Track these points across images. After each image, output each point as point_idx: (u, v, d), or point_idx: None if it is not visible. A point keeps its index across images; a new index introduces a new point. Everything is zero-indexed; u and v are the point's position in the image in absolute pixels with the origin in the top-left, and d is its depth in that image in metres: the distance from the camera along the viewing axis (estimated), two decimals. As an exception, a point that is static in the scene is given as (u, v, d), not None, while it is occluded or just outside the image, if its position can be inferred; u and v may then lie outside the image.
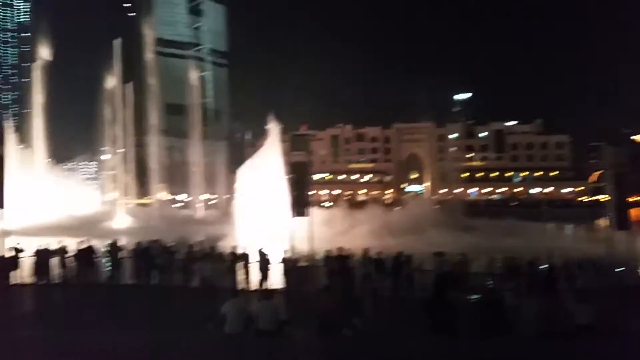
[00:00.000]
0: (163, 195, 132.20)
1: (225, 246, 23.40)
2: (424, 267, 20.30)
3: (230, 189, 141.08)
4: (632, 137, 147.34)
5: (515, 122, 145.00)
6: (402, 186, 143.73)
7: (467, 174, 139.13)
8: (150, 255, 21.00)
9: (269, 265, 20.42)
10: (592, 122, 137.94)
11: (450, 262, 20.52)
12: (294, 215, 24.28)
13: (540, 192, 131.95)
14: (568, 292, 17.06)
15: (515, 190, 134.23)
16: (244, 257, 20.64)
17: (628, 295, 18.51)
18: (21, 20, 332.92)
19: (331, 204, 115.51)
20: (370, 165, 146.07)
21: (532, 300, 13.14)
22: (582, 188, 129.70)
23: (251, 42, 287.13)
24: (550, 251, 22.55)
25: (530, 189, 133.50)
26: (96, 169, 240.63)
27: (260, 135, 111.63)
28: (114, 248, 21.80)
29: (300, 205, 24.39)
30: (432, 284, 17.65)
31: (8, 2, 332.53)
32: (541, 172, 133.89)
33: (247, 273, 20.30)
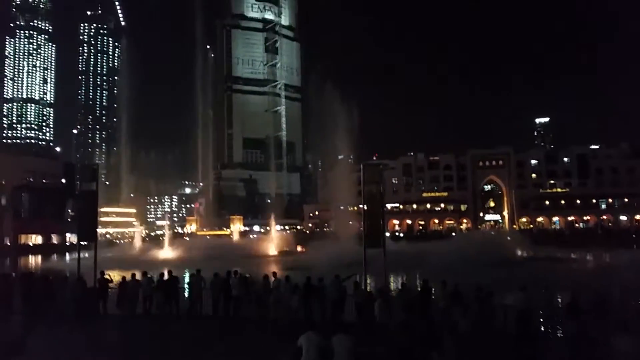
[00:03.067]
0: (238, 226, 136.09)
1: (300, 277, 23.54)
2: (505, 302, 19.37)
3: (303, 219, 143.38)
4: None
5: (598, 147, 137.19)
6: (479, 215, 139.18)
7: (549, 201, 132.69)
8: (228, 287, 21.48)
9: (345, 297, 20.27)
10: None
11: (532, 297, 19.45)
12: (367, 246, 23.97)
13: (628, 219, 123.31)
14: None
15: (602, 217, 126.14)
16: (319, 289, 20.62)
17: None
18: (113, 64, 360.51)
19: (402, 234, 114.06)
20: (444, 194, 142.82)
21: (629, 340, 12.19)
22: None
23: (324, 76, 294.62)
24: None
25: (617, 216, 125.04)
26: (176, 202, 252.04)
27: (332, 166, 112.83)
28: (194, 279, 22.48)
29: (374, 236, 24.06)
30: (517, 320, 16.86)
31: (103, 49, 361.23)
32: (626, 199, 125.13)
33: (323, 304, 20.24)
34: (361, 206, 26.41)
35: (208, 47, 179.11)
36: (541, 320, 18.14)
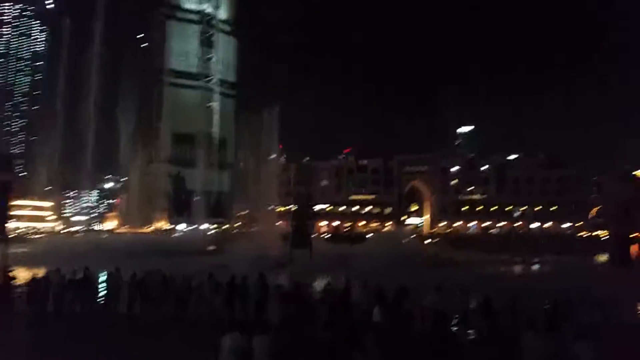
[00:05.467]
0: (162, 224, 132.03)
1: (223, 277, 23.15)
2: (423, 302, 20.00)
3: (232, 218, 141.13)
4: (634, 173, 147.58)
5: (517, 156, 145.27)
6: (402, 218, 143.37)
7: (467, 207, 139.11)
8: (146, 286, 20.80)
9: (268, 297, 20.18)
10: (596, 156, 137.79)
11: (450, 298, 20.22)
12: (294, 246, 24.00)
13: (540, 226, 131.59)
14: (570, 329, 16.79)
15: (515, 224, 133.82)
16: (242, 288, 20.41)
17: (630, 334, 18.22)
18: (36, 49, 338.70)
19: (329, 235, 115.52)
20: (371, 196, 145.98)
21: (536, 338, 12.95)
22: (582, 223, 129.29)
23: (259, 74, 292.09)
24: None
25: (530, 223, 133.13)
26: (97, 197, 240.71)
27: (264, 165, 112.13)
28: (111, 277, 21.59)
29: (301, 237, 24.18)
30: (434, 320, 17.47)
31: (25, 32, 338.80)
32: (540, 207, 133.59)
33: (245, 305, 20.03)
34: (290, 206, 26.39)
35: (140, 36, 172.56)
36: (456, 320, 18.88)
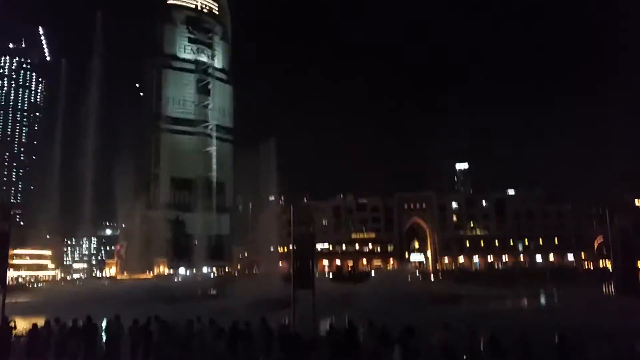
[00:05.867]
0: (162, 269, 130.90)
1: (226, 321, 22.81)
2: (431, 340, 19.66)
3: (233, 261, 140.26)
4: (635, 202, 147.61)
5: (514, 192, 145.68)
6: (404, 256, 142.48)
7: (470, 243, 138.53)
8: (148, 333, 20.45)
9: (272, 341, 19.82)
10: (592, 188, 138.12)
11: (458, 335, 19.88)
12: (296, 287, 23.73)
13: (543, 260, 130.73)
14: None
15: (518, 259, 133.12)
16: (245, 333, 20.07)
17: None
18: (34, 100, 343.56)
19: (332, 275, 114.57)
20: (372, 235, 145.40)
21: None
22: (584, 256, 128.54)
23: (256, 119, 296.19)
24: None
25: (533, 257, 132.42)
26: (95, 245, 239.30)
27: (262, 207, 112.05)
28: (112, 325, 21.25)
29: (304, 277, 23.92)
30: (443, 357, 17.14)
31: (23, 84, 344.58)
32: (541, 241, 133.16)
33: (249, 348, 19.65)
34: (291, 247, 26.26)
35: (137, 85, 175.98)
36: (464, 357, 18.50)
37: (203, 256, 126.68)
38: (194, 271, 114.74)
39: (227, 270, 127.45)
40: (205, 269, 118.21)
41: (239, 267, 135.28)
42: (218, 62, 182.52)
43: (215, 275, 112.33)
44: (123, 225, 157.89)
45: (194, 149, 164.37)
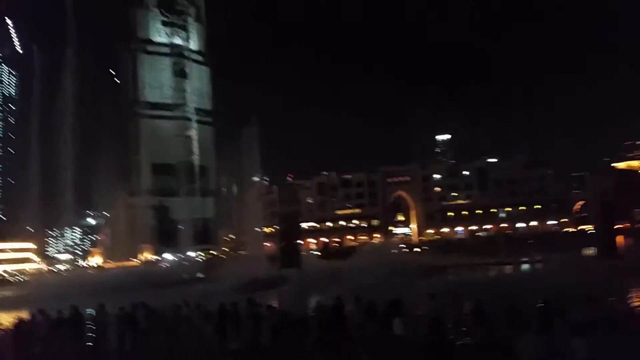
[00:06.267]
0: (148, 255, 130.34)
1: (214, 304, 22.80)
2: (418, 312, 19.91)
3: (219, 244, 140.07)
4: (613, 165, 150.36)
5: (496, 159, 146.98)
6: (389, 229, 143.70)
7: (453, 213, 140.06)
8: (135, 320, 20.38)
9: (260, 321, 19.87)
10: (572, 153, 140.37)
11: (443, 305, 20.14)
12: (283, 266, 23.77)
13: (526, 226, 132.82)
14: (563, 327, 16.77)
15: (501, 226, 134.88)
16: (233, 315, 20.09)
17: (621, 326, 18.29)
18: (7, 93, 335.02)
19: (319, 252, 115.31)
20: (357, 210, 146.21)
21: (531, 340, 12.90)
22: (566, 220, 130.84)
23: (235, 99, 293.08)
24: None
25: (515, 224, 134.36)
26: (81, 234, 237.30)
27: (247, 189, 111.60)
28: (98, 314, 21.12)
29: (290, 256, 23.96)
30: (429, 328, 17.35)
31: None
32: (524, 207, 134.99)
33: (237, 330, 19.70)
34: (277, 227, 26.26)
35: (113, 72, 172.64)
36: (450, 327, 18.77)
37: (188, 240, 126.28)
38: (180, 256, 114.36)
39: (213, 253, 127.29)
40: (191, 253, 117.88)
41: (225, 249, 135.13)
42: (193, 44, 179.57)
43: (202, 258, 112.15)
44: (106, 214, 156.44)
45: (174, 133, 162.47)
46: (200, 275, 64.10)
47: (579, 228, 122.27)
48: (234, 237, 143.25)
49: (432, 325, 17.50)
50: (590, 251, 65.88)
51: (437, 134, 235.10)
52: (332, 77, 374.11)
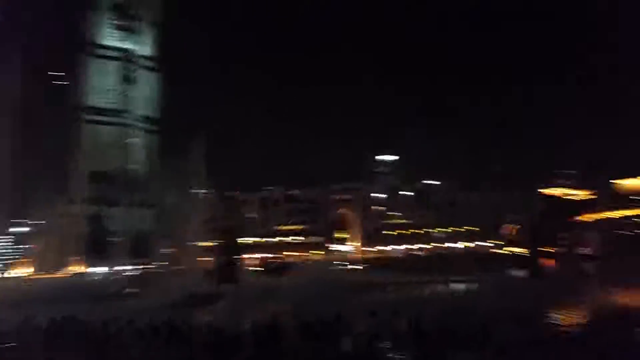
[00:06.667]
0: (81, 267, 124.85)
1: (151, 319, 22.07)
2: (358, 328, 20.04)
3: (156, 258, 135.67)
4: (541, 191, 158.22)
5: (435, 182, 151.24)
6: (331, 246, 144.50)
7: (393, 232, 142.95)
8: (63, 334, 19.43)
9: (195, 338, 19.40)
10: (507, 179, 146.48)
11: (382, 322, 20.39)
12: (221, 282, 23.37)
13: (461, 247, 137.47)
14: (495, 344, 17.37)
15: (438, 246, 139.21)
16: (168, 332, 19.51)
17: (549, 343, 19.12)
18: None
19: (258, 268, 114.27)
20: (300, 226, 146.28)
21: (465, 356, 13.28)
22: (499, 242, 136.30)
23: (184, 109, 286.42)
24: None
25: (451, 244, 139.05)
26: (10, 243, 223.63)
27: (188, 202, 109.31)
28: (23, 328, 20.00)
29: (229, 272, 23.60)
30: (368, 344, 17.55)
31: None
32: (459, 229, 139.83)
33: (171, 348, 19.12)
34: (216, 242, 25.75)
35: (60, 75, 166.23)
36: (388, 343, 19.03)
37: (124, 253, 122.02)
38: (114, 269, 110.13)
39: (149, 267, 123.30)
40: (126, 267, 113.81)
41: (162, 264, 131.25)
42: (144, 50, 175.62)
43: (138, 272, 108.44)
44: (40, 222, 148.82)
45: (118, 140, 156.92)
46: (133, 290, 61.83)
47: (510, 250, 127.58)
48: (171, 251, 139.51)
49: (373, 341, 17.74)
50: (520, 272, 68.79)
51: (381, 154, 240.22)
52: (286, 94, 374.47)
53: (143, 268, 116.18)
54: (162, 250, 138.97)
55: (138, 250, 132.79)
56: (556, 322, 27.05)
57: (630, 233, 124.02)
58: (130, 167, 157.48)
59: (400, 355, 18.66)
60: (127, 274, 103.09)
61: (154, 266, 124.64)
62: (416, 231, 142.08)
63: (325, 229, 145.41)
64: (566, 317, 28.21)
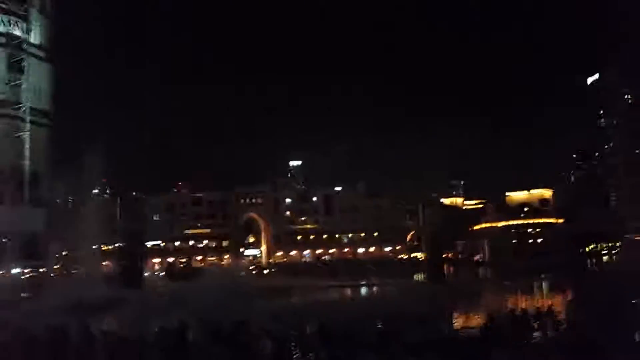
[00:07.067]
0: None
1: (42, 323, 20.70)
2: (262, 332, 20.13)
3: (49, 260, 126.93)
4: (440, 200, 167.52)
5: (340, 188, 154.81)
6: (240, 250, 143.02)
7: (301, 236, 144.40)
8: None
9: (96, 346, 18.51)
10: (406, 187, 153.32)
11: (287, 325, 20.68)
12: (124, 286, 22.41)
13: (365, 251, 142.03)
14: (399, 347, 18.19)
15: (344, 250, 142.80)
16: (62, 335, 18.46)
17: (448, 346, 20.35)
18: None
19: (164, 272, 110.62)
20: (207, 230, 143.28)
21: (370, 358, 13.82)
22: (400, 247, 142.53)
23: (77, 100, 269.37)
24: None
25: (356, 249, 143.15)
26: None
27: (85, 201, 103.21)
28: None
29: (132, 276, 22.71)
30: (273, 348, 17.70)
31: None
32: (362, 234, 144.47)
33: (65, 352, 18.09)
34: (118, 244, 24.63)
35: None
36: (295, 346, 19.33)
37: (13, 255, 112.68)
38: (2, 271, 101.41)
39: (41, 270, 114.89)
40: (15, 270, 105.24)
41: (56, 267, 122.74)
42: (35, 38, 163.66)
43: (28, 275, 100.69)
44: None
45: (5, 133, 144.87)
46: (24, 294, 57.48)
47: (412, 256, 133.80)
48: (66, 253, 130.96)
49: (276, 346, 17.93)
50: (420, 277, 72.50)
51: (291, 159, 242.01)
52: (192, 92, 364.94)
53: (34, 271, 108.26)
54: (57, 253, 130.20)
55: (29, 252, 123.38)
56: (454, 322, 28.96)
57: (516, 240, 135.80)
58: (20, 162, 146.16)
59: (305, 358, 19.04)
60: (17, 277, 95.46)
61: (46, 269, 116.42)
62: (324, 235, 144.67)
63: (235, 232, 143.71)
64: (462, 318, 30.32)
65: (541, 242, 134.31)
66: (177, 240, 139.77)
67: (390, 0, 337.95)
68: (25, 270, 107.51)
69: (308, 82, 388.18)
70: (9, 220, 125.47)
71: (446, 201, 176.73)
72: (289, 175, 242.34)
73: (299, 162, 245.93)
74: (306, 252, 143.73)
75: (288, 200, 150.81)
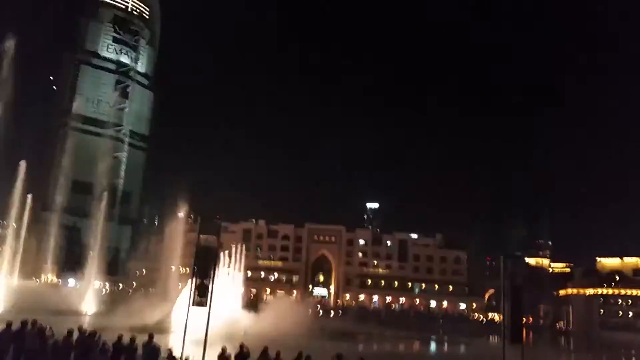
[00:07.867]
0: (50, 277, 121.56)
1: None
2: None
3: (129, 277, 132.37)
4: (525, 260, 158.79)
5: (417, 235, 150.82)
6: (308, 287, 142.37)
7: (371, 280, 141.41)
8: (21, 338, 18.52)
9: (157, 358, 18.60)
10: (488, 241, 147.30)
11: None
12: (193, 304, 22.47)
13: (438, 304, 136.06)
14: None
15: (415, 300, 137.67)
16: (130, 350, 18.70)
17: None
18: None
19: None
20: (279, 263, 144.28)
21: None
22: (475, 306, 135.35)
23: (175, 130, 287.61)
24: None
25: (428, 300, 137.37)
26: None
27: (170, 223, 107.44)
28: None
29: (202, 294, 22.78)
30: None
31: None
32: (437, 286, 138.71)
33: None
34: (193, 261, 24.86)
35: (51, 78, 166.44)
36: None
37: (97, 269, 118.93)
38: (84, 283, 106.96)
39: (120, 286, 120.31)
40: (97, 283, 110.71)
41: (134, 284, 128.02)
42: (141, 67, 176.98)
43: (107, 290, 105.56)
44: (13, 225, 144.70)
45: (103, 152, 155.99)
46: (99, 308, 60.22)
47: (489, 317, 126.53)
48: (146, 272, 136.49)
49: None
50: (496, 339, 67.93)
51: (368, 201, 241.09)
52: (272, 126, 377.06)
53: (113, 286, 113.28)
54: (136, 270, 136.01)
55: (112, 268, 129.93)
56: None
57: (604, 311, 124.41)
58: (114, 180, 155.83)
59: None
60: (96, 290, 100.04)
61: (125, 285, 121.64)
62: (395, 282, 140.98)
63: (305, 269, 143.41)
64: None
65: (632, 315, 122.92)
66: (249, 270, 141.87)
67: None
68: (104, 284, 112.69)
69: (402, 135, 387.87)
70: (97, 235, 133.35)
71: (531, 261, 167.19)
72: (365, 217, 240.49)
73: (376, 205, 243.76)
74: (375, 297, 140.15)
75: (362, 241, 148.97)
